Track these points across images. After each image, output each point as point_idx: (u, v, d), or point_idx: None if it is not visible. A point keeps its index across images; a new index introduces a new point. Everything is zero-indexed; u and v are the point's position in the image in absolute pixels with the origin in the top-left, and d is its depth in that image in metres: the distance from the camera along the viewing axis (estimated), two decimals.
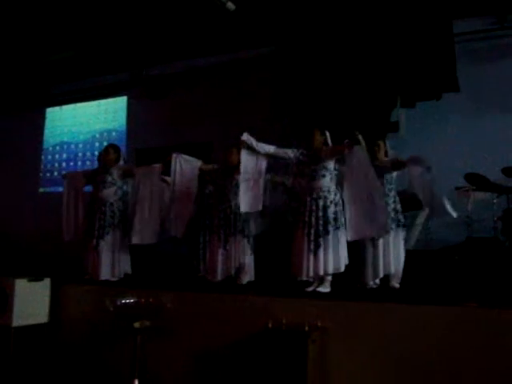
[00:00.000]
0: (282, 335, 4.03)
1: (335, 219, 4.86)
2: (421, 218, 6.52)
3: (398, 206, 5.26)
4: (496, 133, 6.73)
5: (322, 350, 4.04)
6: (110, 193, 5.92)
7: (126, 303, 4.48)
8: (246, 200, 5.14)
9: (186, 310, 4.70)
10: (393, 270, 5.08)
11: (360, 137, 4.93)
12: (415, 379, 3.82)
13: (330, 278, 4.85)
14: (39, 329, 5.16)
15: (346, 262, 4.86)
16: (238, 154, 5.58)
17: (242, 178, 5.21)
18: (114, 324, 4.59)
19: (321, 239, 4.78)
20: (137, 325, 4.34)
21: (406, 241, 5.29)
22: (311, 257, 4.77)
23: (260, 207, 5.19)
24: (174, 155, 5.80)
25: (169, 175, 6.23)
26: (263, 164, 5.21)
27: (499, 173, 6.12)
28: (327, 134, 5.13)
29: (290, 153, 5.15)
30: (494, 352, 3.63)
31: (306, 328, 3.98)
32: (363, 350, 4.00)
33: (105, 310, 4.47)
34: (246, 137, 5.14)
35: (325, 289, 4.81)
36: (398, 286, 5.13)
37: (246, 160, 5.19)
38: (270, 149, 5.17)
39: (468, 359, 3.69)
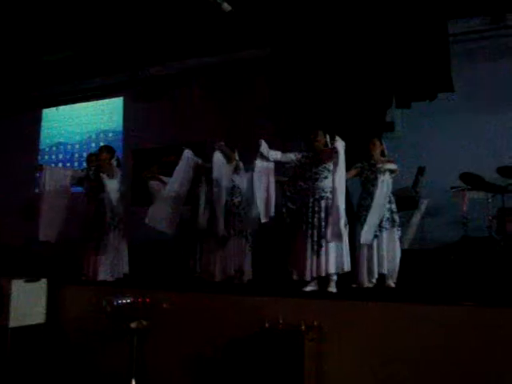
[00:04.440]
0: (278, 335, 4.04)
1: None
2: (416, 218, 6.56)
3: (393, 206, 5.28)
4: (491, 132, 6.77)
5: (319, 349, 4.05)
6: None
7: (123, 303, 4.48)
8: (265, 209, 5.07)
9: (183, 310, 4.71)
10: (388, 269, 5.10)
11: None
12: (411, 378, 3.83)
13: (335, 277, 4.85)
14: (36, 329, 5.15)
15: (349, 264, 4.85)
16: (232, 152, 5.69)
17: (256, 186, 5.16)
18: (111, 324, 4.59)
19: (323, 240, 4.78)
20: (134, 325, 4.35)
21: (402, 240, 5.30)
22: (314, 258, 4.78)
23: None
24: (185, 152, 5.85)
25: (165, 175, 6.30)
26: (271, 168, 5.20)
27: (494, 172, 6.15)
28: (328, 136, 5.13)
29: (293, 156, 5.17)
30: (490, 350, 3.65)
31: (303, 327, 3.99)
32: (359, 348, 4.01)
33: (102, 311, 4.48)
34: (263, 146, 5.06)
35: (332, 289, 4.82)
36: (393, 285, 5.15)
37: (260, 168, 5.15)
38: (278, 155, 5.14)
39: (464, 357, 3.70)
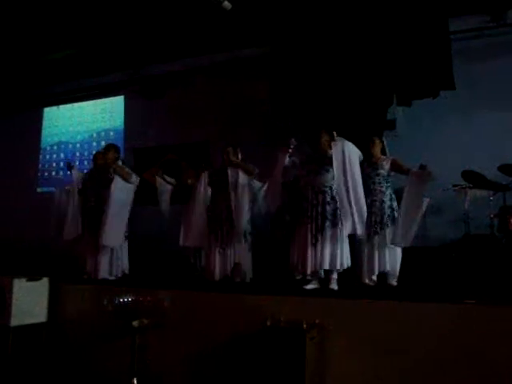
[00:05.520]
0: (280, 333, 4.04)
1: (333, 216, 4.88)
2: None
3: (394, 204, 5.28)
4: (492, 130, 6.75)
5: (320, 347, 4.05)
6: None
7: (124, 302, 4.49)
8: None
9: (184, 309, 4.72)
10: (389, 267, 5.10)
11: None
12: (413, 376, 3.83)
13: (335, 275, 4.87)
14: (38, 328, 5.16)
15: (348, 262, 4.87)
16: (235, 153, 5.67)
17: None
18: (112, 323, 4.60)
19: (319, 234, 4.81)
20: (135, 323, 4.36)
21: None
22: (312, 251, 4.80)
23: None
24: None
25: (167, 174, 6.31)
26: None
27: (496, 170, 6.14)
28: (334, 134, 5.07)
29: (296, 159, 5.19)
30: (492, 348, 3.65)
31: (304, 325, 3.99)
32: (361, 347, 4.01)
33: (103, 309, 4.49)
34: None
35: (334, 286, 4.85)
36: (395, 283, 5.15)
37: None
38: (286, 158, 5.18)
39: (466, 356, 3.70)
